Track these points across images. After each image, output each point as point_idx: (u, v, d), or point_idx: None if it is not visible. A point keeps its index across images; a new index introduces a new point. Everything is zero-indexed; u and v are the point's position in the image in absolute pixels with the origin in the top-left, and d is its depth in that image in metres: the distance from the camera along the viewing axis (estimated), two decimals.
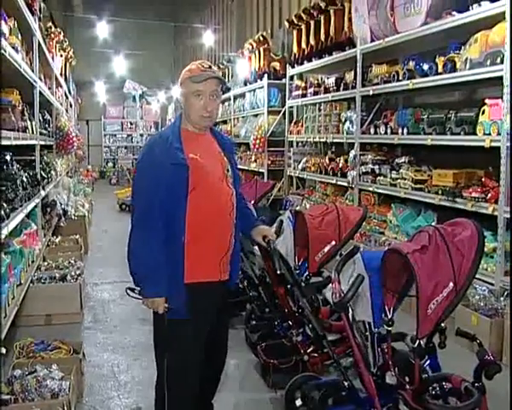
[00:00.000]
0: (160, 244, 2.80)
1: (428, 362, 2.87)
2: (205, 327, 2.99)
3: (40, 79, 7.37)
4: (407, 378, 2.72)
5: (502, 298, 4.96)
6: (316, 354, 4.08)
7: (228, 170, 3.07)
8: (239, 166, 12.84)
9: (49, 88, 9.06)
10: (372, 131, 7.34)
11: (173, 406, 2.93)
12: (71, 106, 15.60)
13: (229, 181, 3.04)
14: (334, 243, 3.75)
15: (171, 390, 2.92)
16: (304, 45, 9.26)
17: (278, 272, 3.77)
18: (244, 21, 16.18)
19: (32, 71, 6.51)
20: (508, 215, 4.97)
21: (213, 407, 3.31)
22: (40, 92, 7.11)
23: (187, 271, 2.85)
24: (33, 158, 6.87)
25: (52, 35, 9.88)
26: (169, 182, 2.79)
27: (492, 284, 5.13)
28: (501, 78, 4.95)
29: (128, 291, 2.94)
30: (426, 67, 6.10)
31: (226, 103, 14.05)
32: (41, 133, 7.35)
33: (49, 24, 10.12)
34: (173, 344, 2.91)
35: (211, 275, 2.97)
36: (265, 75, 11.09)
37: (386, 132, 7.01)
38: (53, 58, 9.64)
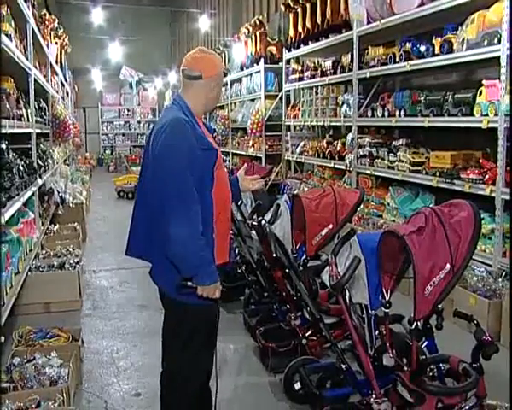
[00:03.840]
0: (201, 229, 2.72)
1: (426, 344, 2.88)
2: (216, 310, 2.98)
3: (35, 66, 7.32)
4: (405, 360, 2.73)
5: (500, 279, 4.97)
6: (314, 338, 4.09)
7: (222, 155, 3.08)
8: (237, 152, 12.91)
9: (45, 76, 9.02)
10: (369, 113, 7.32)
11: (189, 391, 2.93)
12: (67, 93, 15.53)
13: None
14: (331, 226, 3.73)
15: (190, 376, 2.90)
16: (300, 29, 9.21)
17: (274, 255, 3.78)
18: (240, 6, 16.06)
19: (27, 59, 6.46)
20: (505, 196, 4.97)
21: (211, 392, 3.31)
22: (35, 80, 7.07)
23: (216, 255, 2.82)
24: (29, 146, 6.83)
25: (47, 22, 9.80)
26: (200, 166, 2.72)
27: (490, 266, 5.13)
28: (498, 58, 4.93)
29: (181, 290, 2.73)
30: (423, 48, 6.06)
31: (223, 88, 13.98)
32: (37, 121, 7.31)
33: (44, 11, 10.06)
34: (198, 331, 2.87)
35: (225, 257, 2.97)
36: (262, 59, 11.03)
37: (383, 115, 6.98)
38: (48, 45, 9.58)
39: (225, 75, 13.25)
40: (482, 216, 2.78)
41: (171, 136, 2.73)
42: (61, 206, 8.91)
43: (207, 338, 2.93)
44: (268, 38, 11.35)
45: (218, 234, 2.88)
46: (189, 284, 2.70)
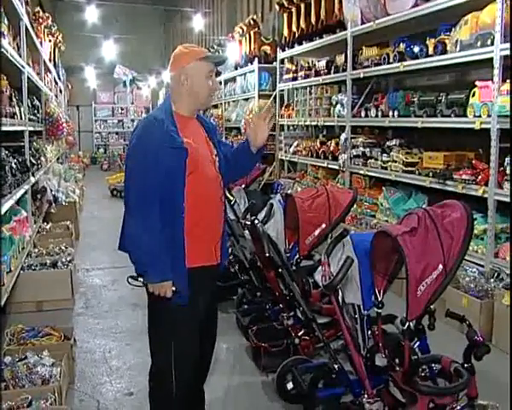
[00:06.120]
0: (160, 228, 2.74)
1: (418, 344, 2.88)
2: (201, 311, 2.99)
3: (28, 64, 7.29)
4: (397, 360, 2.73)
5: (492, 280, 4.98)
6: (307, 338, 4.09)
7: (215, 155, 3.05)
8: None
9: (38, 73, 8.98)
10: (363, 114, 7.33)
11: (173, 392, 2.91)
12: (60, 91, 15.47)
13: (216, 166, 3.03)
14: (324, 225, 3.74)
15: (172, 377, 2.90)
16: (294, 28, 9.22)
17: (267, 254, 3.77)
18: (234, 5, 16.06)
19: (20, 56, 6.43)
20: (498, 197, 4.99)
21: (204, 392, 3.31)
22: (28, 78, 7.04)
23: (187, 255, 2.82)
24: (22, 144, 6.80)
25: (40, 20, 9.76)
26: (167, 165, 2.73)
27: (482, 266, 5.15)
28: (491, 59, 4.94)
29: (130, 280, 2.85)
30: (416, 49, 6.07)
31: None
32: (30, 119, 7.28)
33: (37, 8, 10.01)
34: (173, 330, 2.89)
35: (208, 259, 2.95)
36: (256, 59, 11.04)
37: (376, 115, 7.00)
38: (41, 43, 9.54)
39: (219, 74, 13.25)
40: (474, 217, 2.80)
41: (139, 135, 2.85)
42: (53, 204, 8.86)
43: (188, 336, 2.93)
44: (262, 38, 11.37)
45: (202, 235, 2.89)
46: (140, 279, 2.83)
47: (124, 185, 2.88)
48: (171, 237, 2.77)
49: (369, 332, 2.97)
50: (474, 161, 5.50)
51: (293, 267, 3.86)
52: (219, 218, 3.02)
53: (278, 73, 10.39)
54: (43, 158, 8.26)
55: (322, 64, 8.60)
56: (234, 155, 3.17)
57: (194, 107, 3.00)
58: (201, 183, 2.87)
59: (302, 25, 8.89)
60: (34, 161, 7.24)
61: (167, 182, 2.75)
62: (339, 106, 8.04)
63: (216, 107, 14.45)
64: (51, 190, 8.97)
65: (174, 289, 2.78)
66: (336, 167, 8.00)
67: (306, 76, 9.10)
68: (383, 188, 7.01)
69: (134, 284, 2.87)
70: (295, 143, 9.78)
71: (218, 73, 13.27)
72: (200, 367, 3.18)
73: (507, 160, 4.95)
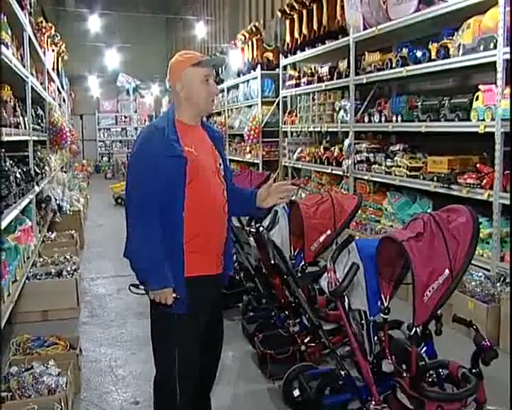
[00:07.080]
0: (160, 236, 2.75)
1: (425, 349, 2.87)
2: (203, 320, 2.98)
3: (32, 74, 7.31)
4: (404, 366, 2.72)
5: (498, 284, 4.96)
6: (313, 344, 4.08)
7: (220, 164, 3.04)
8: (234, 158, 12.88)
9: (42, 83, 9.00)
10: (366, 119, 7.32)
11: (177, 401, 2.91)
12: (64, 101, 15.52)
13: (221, 175, 3.02)
14: (329, 232, 3.73)
15: (176, 385, 2.90)
16: (296, 35, 9.23)
17: (272, 261, 3.77)
18: (236, 12, 16.10)
19: (24, 66, 6.45)
20: (503, 201, 4.97)
21: (210, 401, 3.30)
22: (32, 88, 7.06)
23: (186, 265, 2.81)
24: (26, 154, 6.82)
25: (43, 30, 9.81)
26: (167, 174, 2.73)
27: (488, 270, 5.13)
28: (494, 63, 4.94)
29: (132, 288, 2.85)
30: (419, 53, 6.07)
31: (220, 95, 13.95)
32: (34, 129, 7.30)
33: (41, 19, 10.06)
34: (175, 338, 2.88)
35: (208, 269, 2.94)
36: (259, 66, 11.06)
37: (380, 120, 6.99)
38: (44, 53, 9.57)
39: (221, 82, 13.28)
40: (480, 221, 2.80)
41: (139, 144, 2.87)
42: (58, 213, 8.87)
43: (189, 345, 2.92)
44: (264, 45, 11.40)
45: (202, 244, 2.88)
46: (141, 287, 2.84)
47: (125, 194, 2.90)
48: (170, 245, 2.78)
49: (376, 338, 2.96)
50: (478, 165, 5.49)
51: (299, 274, 3.85)
52: (222, 227, 3.00)
53: (281, 79, 10.38)
54: (47, 167, 8.29)
55: (324, 70, 8.61)
56: (235, 192, 3.14)
57: (195, 113, 2.99)
58: (203, 191, 2.86)
59: (304, 31, 8.90)
60: (38, 171, 7.27)
61: (167, 190, 2.76)
62: (342, 112, 8.04)
63: (219, 114, 14.47)
64: (56, 200, 8.98)
65: (175, 296, 2.78)
66: (340, 173, 7.98)
67: (309, 82, 9.10)
68: (387, 193, 7.00)
69: (136, 292, 2.87)
70: (299, 150, 9.78)
71: (221, 81, 13.30)
72: (206, 376, 3.17)
73: None
